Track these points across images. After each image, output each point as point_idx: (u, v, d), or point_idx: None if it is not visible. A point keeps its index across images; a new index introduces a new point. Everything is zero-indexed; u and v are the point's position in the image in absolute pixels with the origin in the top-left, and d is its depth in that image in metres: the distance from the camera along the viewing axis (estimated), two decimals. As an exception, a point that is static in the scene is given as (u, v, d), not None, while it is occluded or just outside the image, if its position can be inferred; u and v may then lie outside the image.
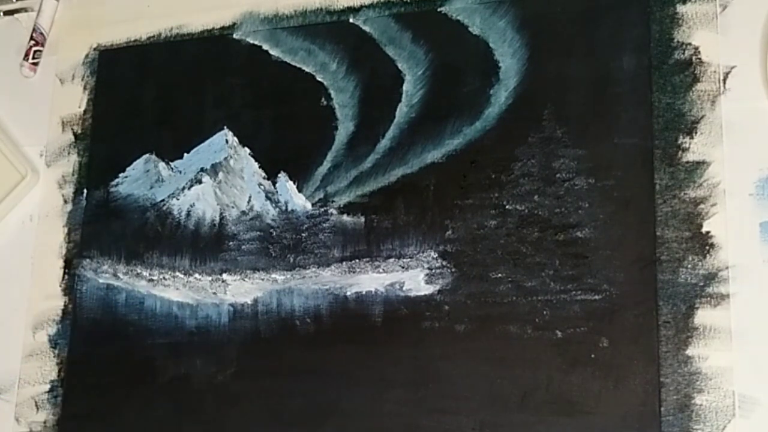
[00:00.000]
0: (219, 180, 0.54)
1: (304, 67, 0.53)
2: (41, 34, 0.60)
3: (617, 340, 0.43)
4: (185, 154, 0.55)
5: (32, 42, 0.59)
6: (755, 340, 0.42)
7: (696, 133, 0.44)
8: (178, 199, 0.54)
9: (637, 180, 0.45)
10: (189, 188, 0.54)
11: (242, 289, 0.51)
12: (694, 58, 0.45)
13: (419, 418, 0.46)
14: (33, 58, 0.59)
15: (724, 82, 0.44)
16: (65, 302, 0.55)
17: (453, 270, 0.47)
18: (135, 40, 0.58)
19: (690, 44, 0.45)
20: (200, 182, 0.54)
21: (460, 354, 0.46)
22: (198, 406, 0.50)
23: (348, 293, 0.49)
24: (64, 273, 0.56)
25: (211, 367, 0.51)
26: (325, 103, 0.52)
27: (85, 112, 0.58)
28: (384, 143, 0.50)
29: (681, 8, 0.46)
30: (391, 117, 0.50)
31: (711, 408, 0.41)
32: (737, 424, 0.41)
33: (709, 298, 0.43)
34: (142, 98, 0.57)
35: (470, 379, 0.45)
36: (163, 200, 0.55)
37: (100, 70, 0.59)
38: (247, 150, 0.53)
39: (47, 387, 0.53)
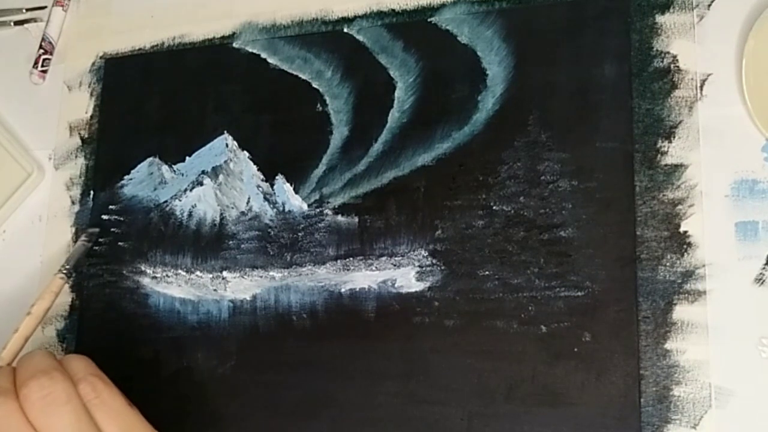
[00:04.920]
0: (219, 182, 0.54)
1: (300, 75, 0.54)
2: (50, 43, 0.61)
3: (599, 335, 0.44)
4: (187, 158, 0.56)
5: (41, 51, 0.61)
6: (730, 334, 0.42)
7: (674, 137, 0.45)
8: (180, 201, 0.55)
9: (618, 182, 0.46)
10: (191, 190, 0.55)
11: (242, 286, 0.52)
12: (672, 66, 0.46)
13: (410, 409, 0.47)
14: (42, 66, 0.60)
15: (701, 89, 0.45)
16: (72, 298, 0.56)
17: (442, 268, 0.48)
18: (139, 49, 0.59)
19: (668, 53, 0.46)
20: (201, 184, 0.55)
21: (449, 348, 0.47)
22: (200, 397, 0.51)
23: (342, 290, 0.50)
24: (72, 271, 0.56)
25: (212, 360, 0.52)
26: (320, 109, 0.53)
27: (91, 117, 0.59)
28: (377, 147, 0.51)
29: (660, 18, 0.47)
30: (383, 122, 0.51)
31: (688, 399, 0.42)
32: (713, 414, 0.42)
33: (686, 295, 0.43)
34: (146, 104, 0.58)
35: (459, 372, 0.46)
36: (166, 201, 0.56)
37: (106, 78, 0.59)
38: (247, 153, 0.54)
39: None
